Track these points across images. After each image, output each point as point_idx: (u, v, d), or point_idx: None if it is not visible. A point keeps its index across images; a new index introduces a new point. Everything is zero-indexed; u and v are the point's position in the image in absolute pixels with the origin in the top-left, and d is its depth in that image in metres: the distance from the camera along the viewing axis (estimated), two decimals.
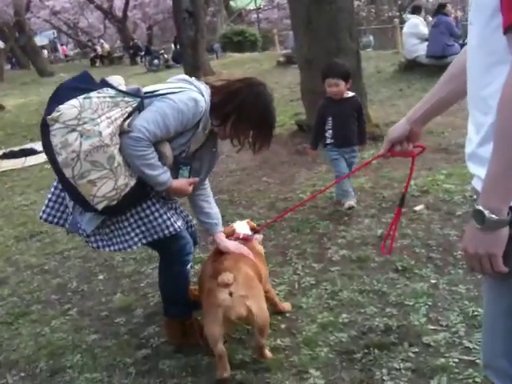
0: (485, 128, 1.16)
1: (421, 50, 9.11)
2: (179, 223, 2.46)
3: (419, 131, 1.70)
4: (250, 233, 2.76)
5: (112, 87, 2.24)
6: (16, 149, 8.39)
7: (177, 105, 2.24)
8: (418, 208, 3.79)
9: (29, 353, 2.82)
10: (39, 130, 2.20)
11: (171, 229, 2.41)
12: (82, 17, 36.64)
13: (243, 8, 30.88)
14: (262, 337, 2.34)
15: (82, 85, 2.22)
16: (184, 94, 2.28)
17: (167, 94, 2.28)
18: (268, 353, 2.43)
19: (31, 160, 7.68)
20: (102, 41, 30.86)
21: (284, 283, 3.09)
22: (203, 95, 2.32)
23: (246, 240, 2.70)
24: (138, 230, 2.40)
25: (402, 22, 14.60)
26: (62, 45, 41.13)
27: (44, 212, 2.50)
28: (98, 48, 28.99)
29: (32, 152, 7.99)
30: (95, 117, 2.12)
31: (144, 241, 2.42)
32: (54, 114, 2.10)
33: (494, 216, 1.10)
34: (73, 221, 2.44)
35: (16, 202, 5.77)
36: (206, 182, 2.66)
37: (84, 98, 2.14)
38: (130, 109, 2.22)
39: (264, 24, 30.28)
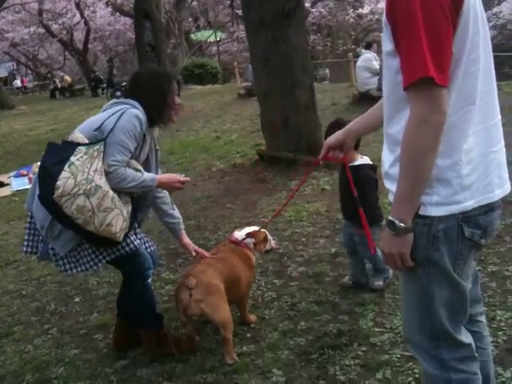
0: (394, 155, 1.55)
1: (372, 83, 9.68)
2: (137, 241, 2.80)
3: (351, 142, 2.06)
4: (241, 237, 3.14)
5: (79, 144, 2.55)
6: None
7: (125, 127, 2.60)
8: None
9: (15, 368, 3.06)
10: (48, 209, 2.50)
11: (131, 246, 2.74)
12: (41, 48, 36.73)
13: (203, 41, 31.54)
14: (225, 331, 2.75)
15: (58, 157, 2.52)
16: (125, 114, 2.63)
17: (115, 124, 2.60)
18: (234, 356, 2.78)
19: None
20: (62, 73, 30.89)
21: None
22: (138, 108, 2.70)
23: (235, 243, 3.11)
24: (101, 249, 2.70)
25: (356, 55, 15.40)
26: (22, 76, 40.90)
27: (26, 246, 2.79)
28: (57, 81, 29.01)
29: None
30: (86, 176, 2.46)
31: (108, 258, 2.72)
32: (58, 192, 2.41)
33: (402, 224, 1.48)
34: (44, 247, 2.73)
35: None
36: None
37: (69, 166, 2.46)
38: (101, 154, 2.56)
39: (224, 56, 31.01)
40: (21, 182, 8.15)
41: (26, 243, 2.79)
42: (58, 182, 2.42)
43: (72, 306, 3.77)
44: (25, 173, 8.49)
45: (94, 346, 3.19)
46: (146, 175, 2.71)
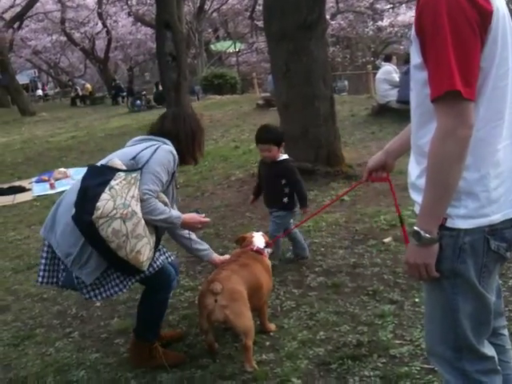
0: (421, 167, 1.57)
1: (392, 95, 9.67)
2: (161, 258, 2.85)
3: (393, 162, 2.07)
4: (262, 246, 3.23)
5: (119, 170, 2.63)
6: (4, 186, 8.66)
7: (161, 161, 2.71)
8: (386, 240, 4.20)
9: (37, 370, 3.10)
10: (84, 230, 2.52)
11: (156, 264, 2.79)
12: (63, 56, 37.30)
13: (223, 51, 31.79)
14: (246, 338, 2.76)
15: (99, 179, 2.59)
16: (160, 149, 2.73)
17: (151, 157, 2.70)
18: (254, 364, 2.79)
19: (21, 197, 7.95)
20: (83, 81, 31.36)
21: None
22: (170, 145, 2.81)
23: (258, 252, 3.17)
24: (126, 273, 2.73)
25: (375, 67, 15.44)
26: (43, 84, 41.55)
27: (42, 277, 2.81)
28: (78, 88, 29.46)
29: (21, 189, 8.28)
30: (123, 201, 2.52)
31: (133, 280, 2.76)
32: (97, 213, 2.46)
33: (427, 235, 1.50)
34: (67, 277, 2.73)
35: (10, 237, 6.03)
36: None
37: (109, 189, 2.52)
38: (138, 182, 2.64)
39: (243, 67, 31.20)
40: (42, 188, 8.27)
41: (41, 273, 2.79)
42: (98, 204, 2.47)
43: (93, 311, 3.82)
44: (46, 178, 8.62)
45: (115, 351, 3.23)
46: (173, 212, 2.78)
